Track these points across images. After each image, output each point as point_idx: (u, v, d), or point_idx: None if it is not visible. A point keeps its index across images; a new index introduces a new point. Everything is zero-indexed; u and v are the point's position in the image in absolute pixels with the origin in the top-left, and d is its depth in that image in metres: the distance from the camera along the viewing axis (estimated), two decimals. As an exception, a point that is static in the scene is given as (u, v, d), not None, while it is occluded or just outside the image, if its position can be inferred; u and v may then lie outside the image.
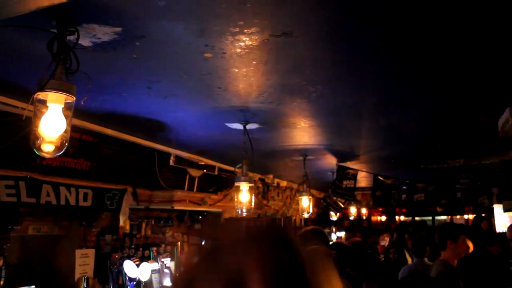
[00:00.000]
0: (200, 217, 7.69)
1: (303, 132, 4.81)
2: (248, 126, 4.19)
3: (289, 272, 0.57)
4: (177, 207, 6.01)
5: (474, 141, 5.63)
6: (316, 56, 2.66)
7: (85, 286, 3.84)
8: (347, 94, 3.46)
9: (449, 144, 5.77)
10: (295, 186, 9.60)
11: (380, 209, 15.23)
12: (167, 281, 3.88)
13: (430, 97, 3.64)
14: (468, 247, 3.91)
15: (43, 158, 4.16)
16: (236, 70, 2.81)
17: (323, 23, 2.25)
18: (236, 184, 4.30)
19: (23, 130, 3.67)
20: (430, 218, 15.28)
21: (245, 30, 2.25)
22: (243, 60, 2.64)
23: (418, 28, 2.32)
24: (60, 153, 2.16)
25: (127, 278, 3.40)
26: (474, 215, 10.02)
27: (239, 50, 2.50)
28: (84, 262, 5.16)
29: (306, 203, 6.63)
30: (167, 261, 3.98)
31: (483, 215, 10.57)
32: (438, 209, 9.88)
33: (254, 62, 2.68)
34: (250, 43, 2.40)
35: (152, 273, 3.62)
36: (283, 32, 2.28)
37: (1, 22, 2.04)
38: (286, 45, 2.44)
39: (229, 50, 2.50)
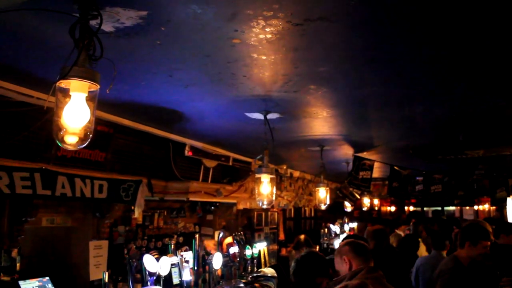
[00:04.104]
0: (212, 207, 7.62)
1: (323, 122, 4.68)
2: (269, 116, 4.07)
3: None
4: (192, 198, 5.93)
5: (496, 132, 5.51)
6: (349, 42, 2.52)
7: (106, 281, 3.75)
8: (376, 83, 3.32)
9: (471, 135, 5.64)
10: (307, 176, 9.51)
11: (389, 199, 15.17)
12: (187, 275, 3.79)
13: (458, 86, 3.50)
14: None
15: (58, 149, 4.07)
16: (264, 57, 2.67)
17: (361, 7, 2.09)
18: (257, 175, 4.18)
19: (38, 121, 3.58)
20: (439, 208, 15.20)
21: (279, 14, 2.10)
22: (273, 46, 2.50)
23: (453, 18, 2.19)
24: (84, 145, 2.03)
25: (147, 273, 3.31)
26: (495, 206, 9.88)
27: (269, 36, 2.35)
28: (97, 254, 5.09)
29: (323, 194, 6.51)
30: (186, 254, 3.89)
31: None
32: (455, 201, 9.76)
33: (284, 49, 2.54)
34: (282, 27, 2.25)
35: (171, 267, 3.54)
36: (320, 17, 2.13)
37: (20, 5, 1.91)
38: (320, 31, 2.29)
39: (259, 36, 2.36)
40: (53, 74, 1.99)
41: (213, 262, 3.89)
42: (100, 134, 4.42)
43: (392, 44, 2.57)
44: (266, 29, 2.28)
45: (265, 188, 4.11)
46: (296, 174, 9.15)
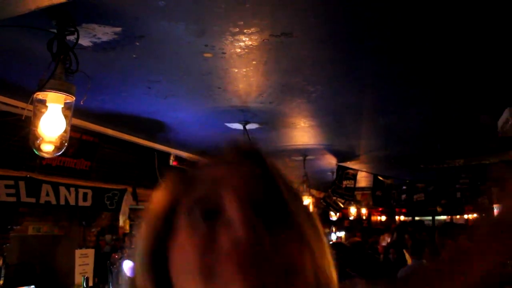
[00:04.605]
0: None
1: (302, 132, 4.80)
2: (248, 126, 4.19)
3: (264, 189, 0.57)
4: (177, 207, 5.99)
5: (474, 141, 5.62)
6: (316, 56, 2.66)
7: (85, 286, 3.83)
8: (347, 94, 3.46)
9: (449, 144, 5.77)
10: (295, 186, 9.57)
11: (380, 209, 15.20)
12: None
13: (429, 97, 3.64)
14: None
15: (43, 158, 4.16)
16: (236, 70, 2.81)
17: (322, 23, 2.25)
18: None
19: (23, 130, 3.67)
20: (430, 218, 15.28)
21: (244, 30, 2.25)
22: (243, 60, 2.64)
23: (417, 29, 2.32)
24: (60, 153, 2.16)
25: (126, 278, 3.40)
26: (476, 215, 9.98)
27: (238, 50, 2.50)
28: (83, 262, 5.16)
29: (306, 203, 6.62)
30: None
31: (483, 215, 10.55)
32: (438, 209, 9.87)
33: (253, 62, 2.68)
34: (250, 43, 2.40)
35: (151, 273, 3.62)
36: (283, 33, 2.28)
37: (1, 22, 2.04)
38: (286, 45, 2.44)
39: (228, 50, 2.50)
40: (35, 85, 2.12)
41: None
42: (85, 143, 4.52)
43: (357, 58, 2.72)
44: (235, 44, 2.42)
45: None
46: (284, 183, 9.23)
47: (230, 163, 0.61)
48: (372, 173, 7.84)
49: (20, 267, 5.22)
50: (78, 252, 5.09)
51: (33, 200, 4.02)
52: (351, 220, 12.52)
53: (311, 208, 6.72)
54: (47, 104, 2.13)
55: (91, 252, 5.22)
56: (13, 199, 3.82)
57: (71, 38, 2.16)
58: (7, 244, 4.55)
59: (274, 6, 2.04)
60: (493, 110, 3.95)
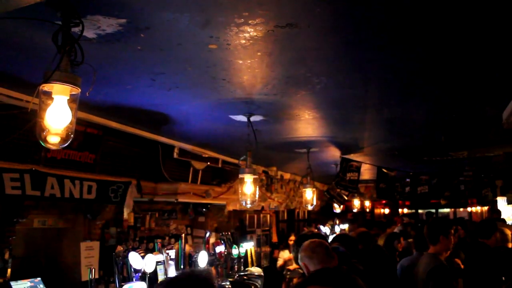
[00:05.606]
0: (203, 209, 7.72)
1: (307, 124, 4.80)
2: (252, 118, 4.19)
3: None
4: (181, 199, 6.03)
5: (478, 133, 5.61)
6: (321, 47, 2.65)
7: (91, 278, 3.84)
8: (351, 86, 3.45)
9: (453, 136, 5.75)
10: (298, 178, 9.61)
11: (384, 201, 15.26)
12: (172, 272, 3.91)
13: (434, 89, 3.63)
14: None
15: (48, 151, 4.18)
16: (241, 62, 2.80)
17: (328, 15, 2.23)
18: (240, 176, 4.30)
19: (28, 123, 3.68)
20: (434, 210, 15.31)
21: (250, 21, 2.24)
22: (248, 52, 2.64)
23: (422, 20, 2.31)
24: (66, 144, 2.16)
25: (132, 269, 3.44)
26: (487, 207, 9.98)
27: (243, 41, 2.49)
28: (89, 255, 5.19)
29: (310, 195, 6.64)
30: (172, 252, 4.01)
31: (487, 207, 10.55)
32: (442, 202, 9.90)
33: (258, 54, 2.68)
34: (255, 34, 2.39)
35: (157, 264, 3.66)
36: (288, 23, 2.27)
37: (6, 14, 2.04)
38: (291, 36, 2.43)
39: (233, 42, 2.49)
40: (40, 78, 2.12)
41: (198, 260, 4.00)
42: (89, 136, 4.53)
43: (362, 50, 2.71)
44: (240, 35, 2.41)
45: (248, 188, 4.23)
46: (287, 176, 9.26)
47: None
48: (376, 166, 7.84)
49: (26, 259, 5.24)
50: (83, 244, 5.11)
51: (38, 193, 4.03)
52: (354, 212, 12.56)
53: (314, 200, 6.76)
54: (53, 96, 2.12)
55: (96, 244, 5.25)
56: (18, 192, 3.83)
57: (76, 30, 2.16)
58: (13, 237, 4.56)
59: (280, -3, 2.03)
60: (498, 102, 3.94)
